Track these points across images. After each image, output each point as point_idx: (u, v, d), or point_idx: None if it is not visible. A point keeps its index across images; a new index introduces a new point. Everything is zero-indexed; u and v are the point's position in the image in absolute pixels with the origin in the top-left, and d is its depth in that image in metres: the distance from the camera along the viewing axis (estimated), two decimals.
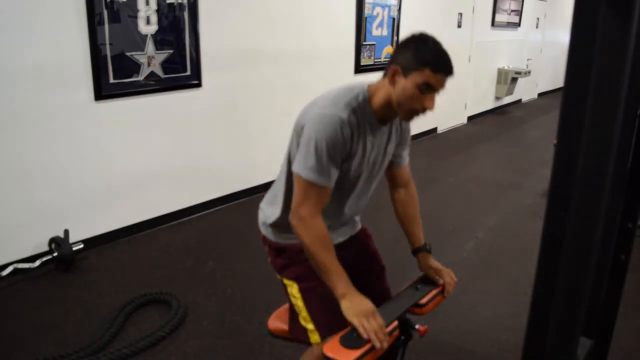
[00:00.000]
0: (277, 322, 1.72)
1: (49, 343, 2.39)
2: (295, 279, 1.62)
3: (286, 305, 1.74)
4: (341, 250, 1.62)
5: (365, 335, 1.35)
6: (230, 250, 3.39)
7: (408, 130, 1.73)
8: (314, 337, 1.58)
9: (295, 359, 2.31)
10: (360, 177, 1.58)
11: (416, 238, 1.79)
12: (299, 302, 1.61)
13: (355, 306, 1.41)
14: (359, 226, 1.83)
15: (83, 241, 3.22)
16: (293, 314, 1.65)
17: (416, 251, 1.78)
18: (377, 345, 1.35)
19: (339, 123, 1.42)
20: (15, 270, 2.95)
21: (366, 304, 1.42)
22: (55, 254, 3.04)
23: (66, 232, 3.15)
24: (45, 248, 3.11)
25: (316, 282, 1.54)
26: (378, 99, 1.49)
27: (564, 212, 0.71)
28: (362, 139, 1.49)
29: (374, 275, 1.82)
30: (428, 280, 1.72)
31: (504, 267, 3.30)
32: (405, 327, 1.49)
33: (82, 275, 3.05)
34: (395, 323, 1.42)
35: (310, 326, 1.58)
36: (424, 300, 1.59)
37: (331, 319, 1.51)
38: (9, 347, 2.37)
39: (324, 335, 1.54)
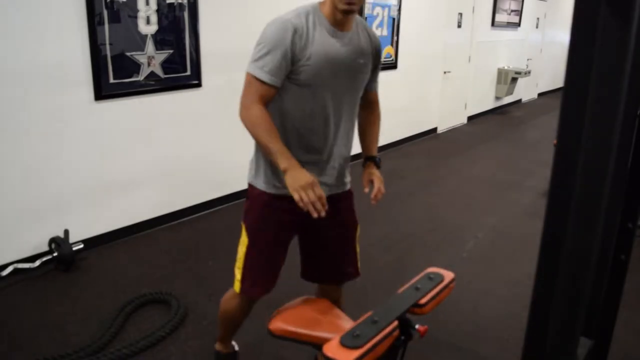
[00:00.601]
0: (277, 322, 1.72)
1: (49, 343, 2.39)
2: (248, 228, 1.80)
3: (286, 305, 1.75)
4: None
5: (304, 207, 1.49)
6: (230, 250, 3.36)
7: (380, 53, 1.83)
8: (236, 285, 1.83)
9: (296, 359, 2.32)
10: (328, 84, 1.64)
11: (369, 150, 1.90)
12: (241, 251, 1.81)
13: (295, 180, 1.54)
14: (348, 187, 1.89)
15: (83, 241, 3.22)
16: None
17: (366, 159, 1.88)
18: (315, 215, 1.49)
19: (283, 23, 1.59)
20: (15, 270, 2.95)
21: (305, 176, 1.55)
22: (55, 254, 3.04)
23: (66, 232, 3.15)
24: (45, 248, 3.11)
25: (263, 245, 1.78)
26: (326, 6, 1.64)
27: (564, 212, 0.71)
28: (318, 40, 1.60)
29: (340, 244, 1.91)
30: (428, 280, 1.72)
31: (504, 267, 3.30)
32: (405, 327, 1.49)
33: (82, 275, 3.06)
34: (395, 323, 1.42)
35: (238, 276, 1.82)
36: (424, 300, 1.59)
37: (257, 282, 1.82)
38: (9, 347, 2.37)
39: (244, 290, 1.82)
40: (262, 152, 1.67)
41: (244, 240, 1.83)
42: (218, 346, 2.18)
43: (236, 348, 2.23)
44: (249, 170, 1.84)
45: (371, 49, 1.77)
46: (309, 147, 1.71)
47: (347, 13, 1.61)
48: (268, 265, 1.85)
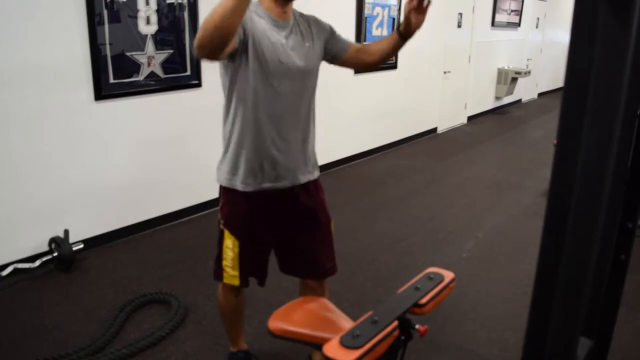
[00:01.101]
0: (277, 322, 1.72)
1: (49, 343, 2.39)
2: (234, 233, 1.87)
3: (286, 305, 1.75)
4: (290, 195, 1.84)
5: None
6: None
7: (321, 25, 1.89)
8: (234, 281, 1.91)
9: (295, 359, 2.32)
10: (279, 70, 1.69)
11: (392, 36, 1.90)
12: (232, 252, 1.88)
13: None
14: (317, 174, 1.94)
15: (83, 241, 3.22)
16: (219, 255, 1.94)
17: (397, 29, 1.88)
18: None
19: None
20: (15, 270, 2.95)
21: None
22: (55, 254, 3.04)
23: (66, 232, 3.15)
24: (45, 248, 3.11)
25: (253, 247, 1.88)
26: (265, 1, 1.71)
27: (564, 212, 0.71)
28: (261, 31, 1.66)
29: (316, 238, 1.96)
30: (428, 280, 1.72)
31: (504, 267, 3.30)
32: (405, 327, 1.49)
33: (82, 275, 3.06)
34: (395, 323, 1.42)
35: (234, 272, 1.90)
36: (424, 300, 1.58)
37: (254, 274, 1.96)
38: (9, 347, 2.37)
39: (243, 283, 1.92)
40: (230, 14, 1.39)
41: (233, 242, 1.88)
42: (232, 348, 2.23)
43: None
44: (219, 173, 1.87)
45: (313, 30, 1.83)
46: (280, 132, 1.77)
47: (288, 0, 1.70)
48: (262, 256, 1.96)
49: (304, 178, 1.88)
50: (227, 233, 1.89)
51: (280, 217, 1.90)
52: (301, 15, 1.85)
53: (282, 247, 1.98)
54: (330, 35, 1.89)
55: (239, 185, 1.82)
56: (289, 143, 1.80)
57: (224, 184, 1.86)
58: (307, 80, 1.81)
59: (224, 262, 1.92)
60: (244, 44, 1.63)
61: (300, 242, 1.95)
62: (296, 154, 1.83)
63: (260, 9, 1.71)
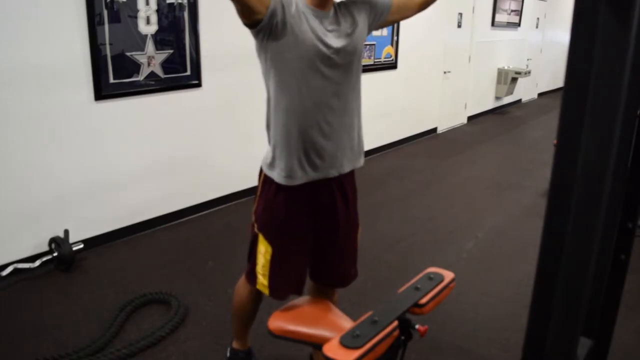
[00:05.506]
0: (277, 322, 1.72)
1: (49, 343, 2.39)
2: (267, 234, 1.80)
3: (286, 305, 1.75)
4: (335, 186, 1.79)
5: None
6: (230, 250, 3.39)
7: (364, 2, 1.82)
8: (264, 290, 1.86)
9: (296, 359, 2.32)
10: (322, 61, 1.67)
11: None
12: (264, 259, 1.82)
13: None
14: (362, 162, 1.90)
15: (83, 241, 3.22)
16: (252, 259, 1.88)
17: None
18: None
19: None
20: (15, 270, 2.95)
21: None
22: (55, 254, 3.04)
23: (66, 232, 3.15)
24: (45, 248, 3.11)
25: (287, 249, 1.81)
26: None
27: (564, 212, 0.71)
28: (307, 22, 1.64)
29: (347, 242, 1.94)
30: (428, 280, 1.72)
31: (504, 267, 3.30)
32: (405, 327, 1.49)
33: (82, 275, 3.06)
34: (395, 323, 1.42)
35: (264, 281, 1.85)
36: (424, 300, 1.58)
37: (286, 285, 1.87)
38: (9, 347, 2.37)
39: (273, 294, 1.85)
40: None
41: (265, 249, 1.81)
42: (235, 344, 2.18)
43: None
44: (265, 167, 1.80)
45: (355, 14, 1.78)
46: (326, 119, 1.72)
47: None
48: (296, 268, 1.88)
49: (350, 165, 1.81)
50: (261, 238, 1.81)
51: (322, 214, 1.82)
52: (340, 3, 1.79)
53: (317, 250, 1.89)
54: (370, 8, 1.82)
55: (284, 180, 1.73)
56: (335, 130, 1.73)
57: (269, 175, 1.78)
58: (352, 64, 1.75)
59: (257, 268, 1.86)
60: (281, 24, 1.59)
61: (336, 243, 1.88)
62: (343, 142, 1.77)
63: (302, 4, 1.67)
